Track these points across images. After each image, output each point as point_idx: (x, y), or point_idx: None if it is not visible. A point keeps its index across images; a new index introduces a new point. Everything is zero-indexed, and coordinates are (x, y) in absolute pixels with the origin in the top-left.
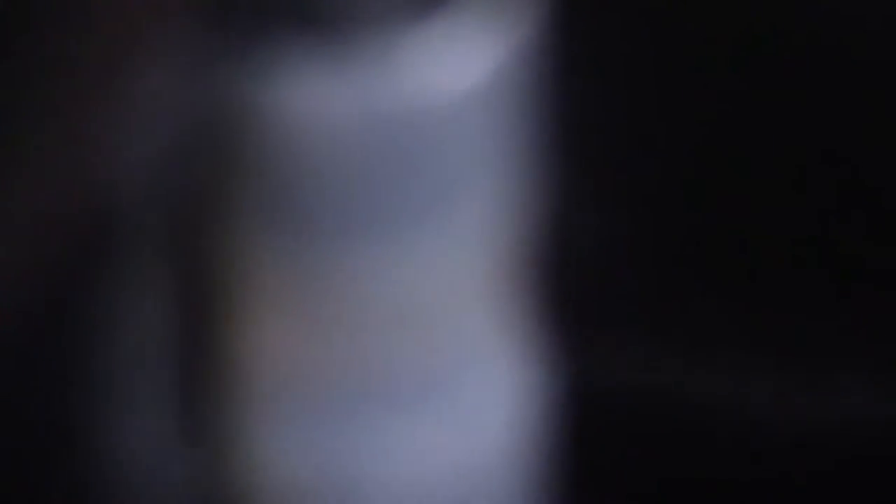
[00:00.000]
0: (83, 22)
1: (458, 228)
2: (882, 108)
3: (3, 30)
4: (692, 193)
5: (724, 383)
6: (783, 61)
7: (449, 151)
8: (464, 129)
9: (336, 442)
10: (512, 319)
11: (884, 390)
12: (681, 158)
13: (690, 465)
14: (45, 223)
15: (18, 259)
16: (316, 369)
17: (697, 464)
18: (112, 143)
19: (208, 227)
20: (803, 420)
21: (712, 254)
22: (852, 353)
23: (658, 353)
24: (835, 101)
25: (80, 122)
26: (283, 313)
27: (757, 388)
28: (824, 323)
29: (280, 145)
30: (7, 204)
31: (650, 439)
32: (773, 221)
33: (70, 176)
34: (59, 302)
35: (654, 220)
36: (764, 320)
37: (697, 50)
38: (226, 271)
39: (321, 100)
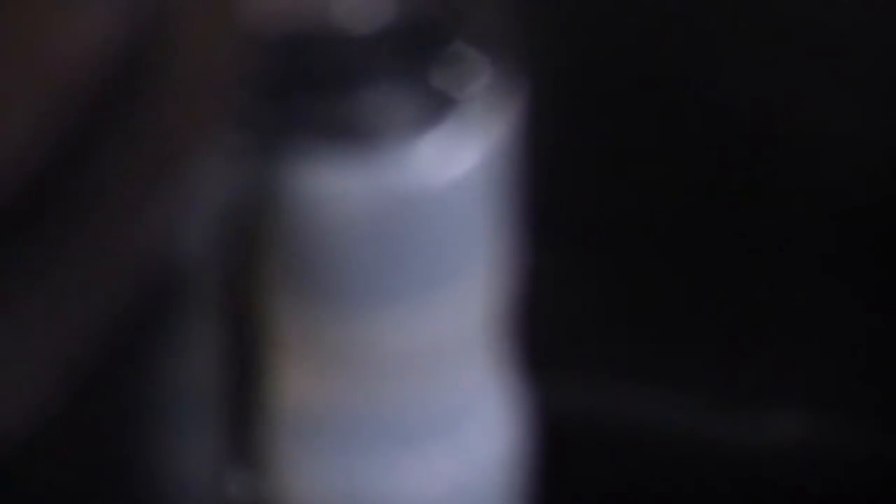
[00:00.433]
0: (156, 117)
1: (458, 289)
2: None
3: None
4: (634, 261)
5: (663, 411)
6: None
7: (448, 226)
8: (459, 207)
9: (358, 469)
10: (501, 364)
11: (813, 422)
12: (630, 228)
13: (636, 477)
14: (117, 282)
15: (95, 312)
16: (341, 410)
17: (642, 476)
18: (172, 217)
19: (249, 290)
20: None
21: (654, 304)
22: (783, 388)
23: (606, 388)
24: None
25: (146, 197)
26: (313, 364)
27: (699, 418)
28: (757, 360)
29: (308, 224)
30: (86, 262)
31: (603, 459)
32: (707, 274)
33: (138, 242)
34: (130, 350)
35: (609, 278)
36: (705, 358)
37: (645, 139)
38: (264, 326)
39: (343, 186)
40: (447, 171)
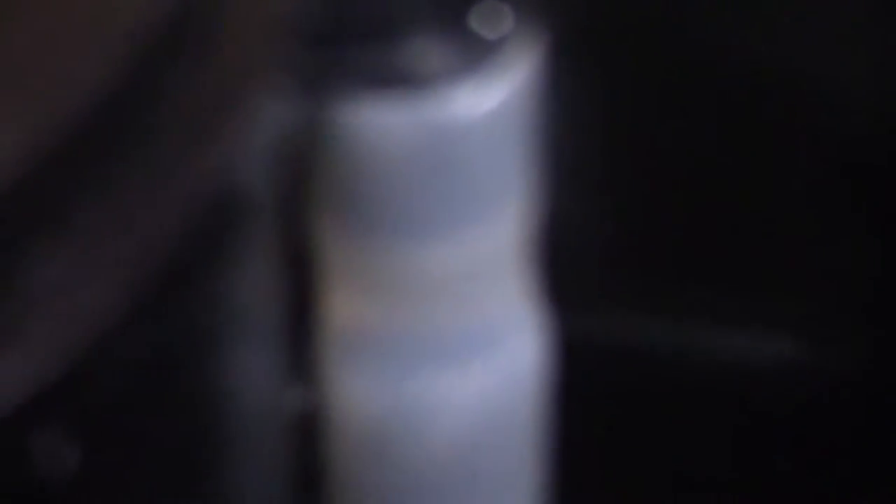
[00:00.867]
0: (216, 60)
1: (492, 220)
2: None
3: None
4: (657, 197)
5: (680, 333)
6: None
7: (483, 160)
8: (492, 142)
9: (401, 384)
10: (532, 289)
11: (806, 346)
12: (649, 169)
13: (644, 396)
14: (182, 205)
15: (160, 231)
16: (384, 330)
17: (659, 403)
18: (233, 148)
19: (300, 216)
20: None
21: (664, 241)
22: (780, 315)
23: (619, 316)
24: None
25: (209, 130)
26: (357, 288)
27: (703, 342)
28: (757, 291)
29: (353, 159)
30: (153, 184)
31: (616, 379)
32: (712, 214)
33: (201, 169)
34: (193, 265)
35: (626, 213)
36: (709, 290)
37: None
38: (315, 252)
39: (386, 122)
40: (481, 106)
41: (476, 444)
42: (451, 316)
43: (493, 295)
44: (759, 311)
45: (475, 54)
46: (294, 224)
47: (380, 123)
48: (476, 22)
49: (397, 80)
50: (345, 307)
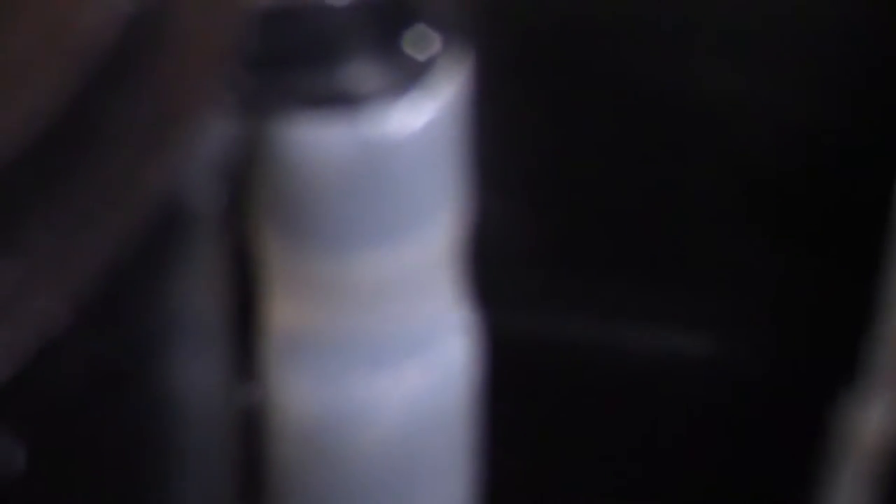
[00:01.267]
0: (161, 79)
1: (424, 229)
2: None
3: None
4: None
5: (599, 329)
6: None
7: (414, 173)
8: (423, 156)
9: (338, 385)
10: (462, 291)
11: (716, 343)
12: (569, 175)
13: (569, 390)
14: (126, 220)
15: (105, 245)
16: (321, 333)
17: (574, 388)
18: (178, 159)
19: (245, 229)
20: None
21: (586, 243)
22: (693, 315)
23: (549, 313)
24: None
25: (153, 147)
26: (296, 293)
27: (621, 338)
28: (672, 291)
29: (292, 173)
30: (97, 200)
31: (542, 376)
32: (632, 218)
33: (147, 184)
34: (141, 271)
35: (548, 217)
36: (628, 289)
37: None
38: (258, 260)
39: (322, 140)
40: (411, 123)
41: (411, 441)
42: (385, 320)
43: (425, 299)
44: (672, 309)
45: (406, 75)
46: (238, 233)
47: (316, 140)
48: (407, 45)
49: (332, 99)
50: (285, 311)
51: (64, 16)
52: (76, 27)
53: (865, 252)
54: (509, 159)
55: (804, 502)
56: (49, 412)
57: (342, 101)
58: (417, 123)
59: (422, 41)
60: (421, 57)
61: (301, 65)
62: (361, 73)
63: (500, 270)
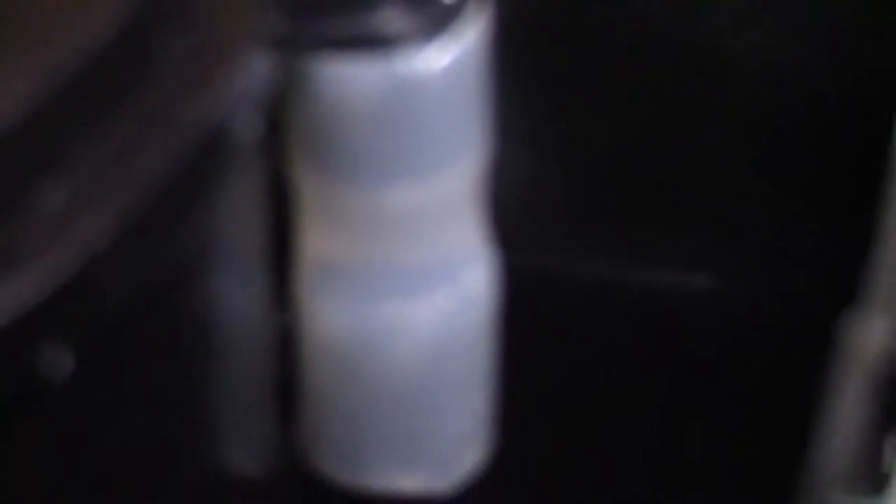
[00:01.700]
0: (210, 19)
1: (449, 163)
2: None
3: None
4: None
5: (610, 268)
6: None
7: (441, 110)
8: (449, 94)
9: (368, 309)
10: (482, 227)
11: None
12: (582, 126)
13: (584, 325)
14: (176, 145)
15: (153, 169)
16: (354, 261)
17: (588, 324)
18: (222, 92)
19: (281, 159)
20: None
21: (601, 190)
22: (703, 257)
23: (563, 252)
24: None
25: (203, 78)
26: (329, 223)
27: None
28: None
29: (327, 108)
30: (148, 126)
31: (558, 311)
32: (643, 167)
33: (196, 113)
34: (186, 199)
35: (562, 165)
36: (642, 235)
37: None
38: (294, 191)
39: (357, 75)
40: (438, 63)
41: (434, 362)
42: (412, 249)
43: (449, 231)
44: (677, 250)
45: (433, 19)
46: (275, 164)
47: (349, 77)
48: None
49: (365, 40)
50: (318, 239)
51: None
52: None
53: (864, 186)
54: (529, 112)
55: (810, 415)
56: (96, 323)
57: (374, 41)
58: (443, 63)
59: None
60: (446, 3)
61: (336, 7)
62: (392, 16)
63: (519, 214)
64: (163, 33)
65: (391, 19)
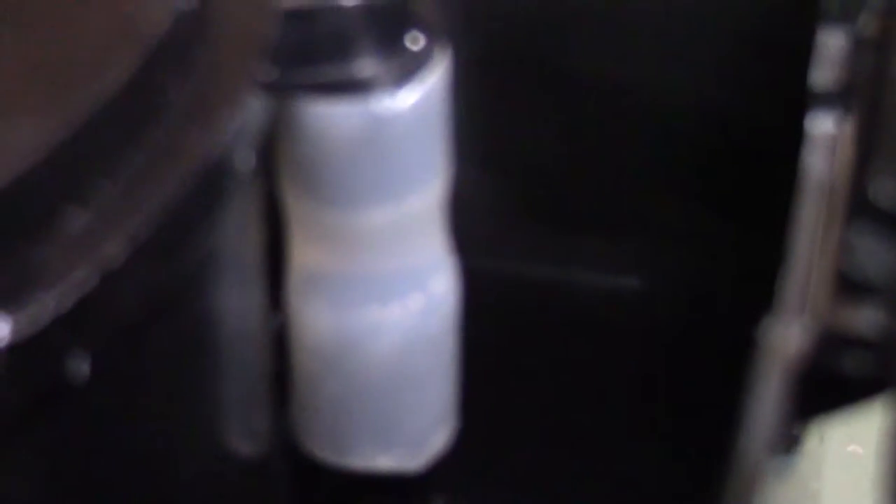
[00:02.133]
0: (211, 64)
1: (416, 188)
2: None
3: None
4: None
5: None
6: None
7: (410, 143)
8: (416, 129)
9: (348, 312)
10: (446, 239)
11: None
12: (528, 147)
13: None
14: (183, 175)
15: (164, 197)
16: (335, 271)
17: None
18: (224, 127)
19: (274, 184)
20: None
21: (546, 205)
22: (632, 259)
23: (512, 257)
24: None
25: (205, 115)
26: (316, 238)
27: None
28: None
29: (311, 142)
30: (158, 159)
31: (508, 312)
32: (581, 184)
33: (201, 147)
34: (195, 220)
35: (511, 184)
36: (579, 244)
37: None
38: (284, 211)
39: (337, 114)
40: (405, 103)
41: (406, 357)
42: (386, 260)
43: (417, 244)
44: (610, 255)
45: (403, 65)
46: (268, 189)
47: (330, 116)
48: (402, 42)
49: (342, 84)
50: (306, 253)
51: (128, 12)
52: (138, 20)
53: (775, 203)
54: (483, 136)
55: (730, 411)
56: (112, 332)
57: (352, 86)
58: (411, 103)
59: (412, 40)
60: (412, 51)
61: (317, 55)
62: (367, 64)
63: (475, 225)
64: (171, 79)
65: (367, 67)
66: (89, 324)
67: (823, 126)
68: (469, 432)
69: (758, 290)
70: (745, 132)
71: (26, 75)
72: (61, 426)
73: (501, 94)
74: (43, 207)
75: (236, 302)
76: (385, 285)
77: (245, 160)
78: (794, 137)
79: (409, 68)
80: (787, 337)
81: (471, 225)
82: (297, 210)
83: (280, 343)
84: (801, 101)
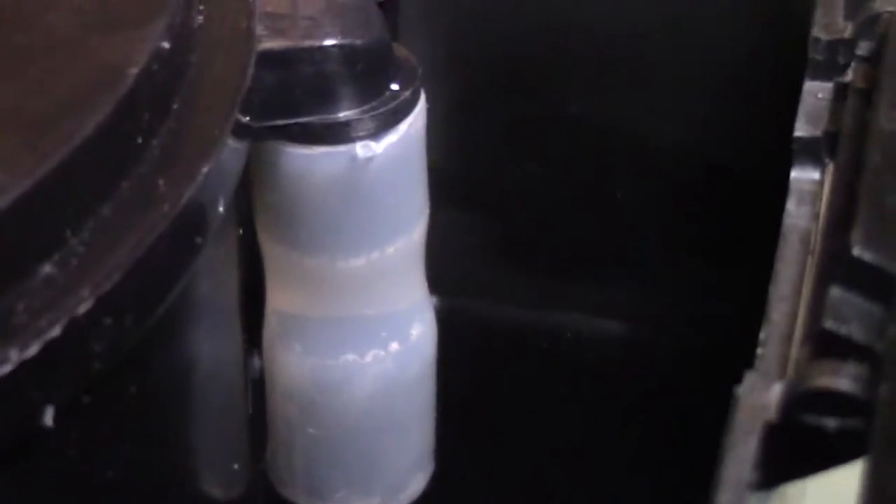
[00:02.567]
0: (192, 108)
1: (396, 233)
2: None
3: None
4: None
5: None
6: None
7: (386, 188)
8: (391, 175)
9: (325, 358)
10: (423, 283)
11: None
12: (509, 192)
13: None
14: (162, 219)
15: (144, 239)
16: (313, 316)
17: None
18: (200, 170)
19: (250, 229)
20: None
21: (524, 246)
22: (615, 305)
23: (489, 300)
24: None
25: (181, 158)
26: (294, 283)
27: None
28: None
29: (289, 186)
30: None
31: (487, 353)
32: (562, 226)
33: (181, 192)
34: (178, 264)
35: (493, 228)
36: (560, 287)
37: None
38: (263, 256)
39: (313, 159)
40: (383, 147)
41: (383, 401)
42: (362, 306)
43: (395, 290)
44: (593, 298)
45: (383, 112)
46: (246, 234)
47: (307, 160)
48: (386, 84)
49: (326, 130)
50: (283, 298)
51: (102, 57)
52: (117, 67)
53: (756, 259)
54: (463, 178)
55: (711, 460)
56: (78, 378)
57: (329, 129)
58: (389, 147)
59: (394, 81)
60: (391, 93)
61: (295, 98)
62: (344, 106)
63: (454, 266)
64: (144, 124)
65: (346, 110)
66: (55, 372)
67: (806, 177)
68: (446, 477)
69: (740, 340)
70: (731, 180)
71: None
72: (29, 473)
73: (482, 135)
74: (9, 256)
75: (211, 347)
76: (363, 331)
77: (219, 206)
78: (780, 188)
79: (388, 111)
80: (765, 394)
81: (451, 267)
82: (274, 255)
83: (260, 386)
84: (786, 150)
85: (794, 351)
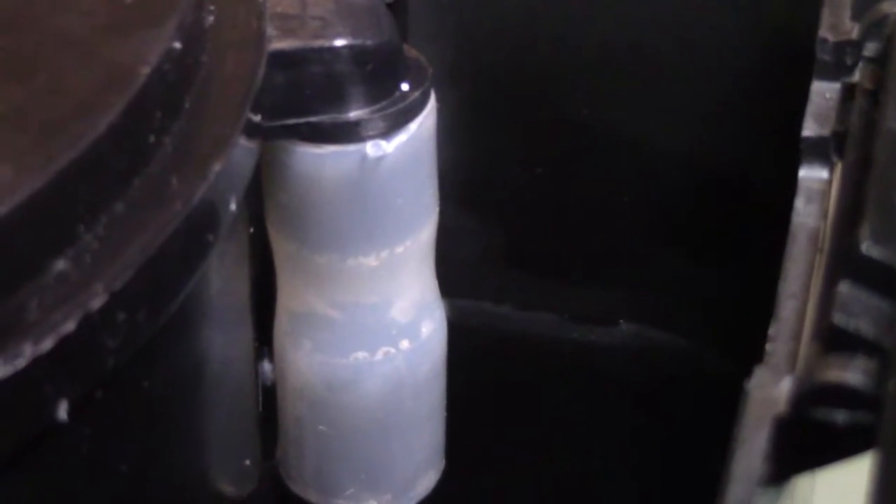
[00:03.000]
0: (205, 108)
1: (405, 233)
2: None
3: None
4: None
5: (533, 326)
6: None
7: (395, 189)
8: (401, 176)
9: (335, 357)
10: (433, 284)
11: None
12: (519, 196)
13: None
14: (172, 219)
15: (150, 243)
16: (324, 315)
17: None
18: (211, 169)
19: (261, 228)
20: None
21: (529, 249)
22: (621, 312)
23: (498, 304)
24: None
25: (193, 158)
26: (305, 282)
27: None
28: (603, 293)
29: (299, 186)
30: (146, 204)
31: (492, 357)
32: (567, 232)
33: (192, 191)
34: (177, 263)
35: (502, 232)
36: (566, 291)
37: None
38: (274, 254)
39: (324, 159)
40: (393, 148)
41: (392, 401)
42: (373, 306)
43: (405, 290)
44: (598, 302)
45: (394, 111)
46: (257, 233)
47: (321, 160)
48: (396, 83)
49: (337, 130)
50: (294, 297)
51: (114, 56)
52: (129, 67)
53: (766, 253)
54: (470, 181)
55: (718, 462)
56: (92, 374)
57: (340, 128)
58: (399, 147)
59: (403, 81)
60: (402, 94)
61: (306, 98)
62: (355, 105)
63: (460, 269)
64: (156, 123)
65: (357, 110)
66: (68, 367)
67: (815, 176)
68: (456, 475)
69: (748, 340)
70: (736, 181)
71: (8, 120)
72: (43, 468)
73: (489, 139)
74: (23, 253)
75: (222, 344)
76: (373, 329)
77: (230, 204)
78: (787, 188)
79: (398, 111)
80: (775, 389)
81: (457, 269)
82: (284, 253)
83: (268, 387)
84: (793, 151)
85: (804, 347)
